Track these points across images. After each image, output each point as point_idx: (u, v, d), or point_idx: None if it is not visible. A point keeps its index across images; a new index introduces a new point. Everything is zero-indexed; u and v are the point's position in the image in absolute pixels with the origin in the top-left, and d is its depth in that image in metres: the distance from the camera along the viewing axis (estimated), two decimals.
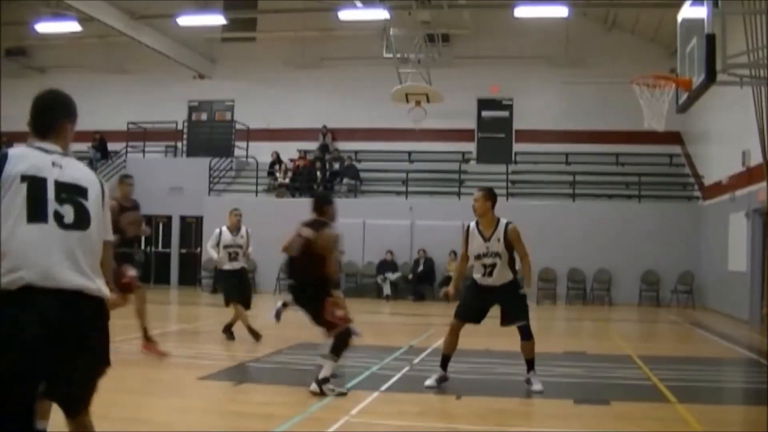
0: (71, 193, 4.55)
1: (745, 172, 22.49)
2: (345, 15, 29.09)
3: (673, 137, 30.04)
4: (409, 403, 9.44)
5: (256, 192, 31.47)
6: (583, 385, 11.06)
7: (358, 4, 27.81)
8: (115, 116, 34.60)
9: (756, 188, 20.98)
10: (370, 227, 28.29)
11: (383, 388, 10.25)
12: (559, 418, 9.11)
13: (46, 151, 4.66)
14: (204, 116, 36.84)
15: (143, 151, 34.67)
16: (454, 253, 27.42)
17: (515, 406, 9.58)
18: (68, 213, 4.47)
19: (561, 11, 27.80)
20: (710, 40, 11.34)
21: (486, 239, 10.24)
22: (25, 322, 4.20)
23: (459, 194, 29.72)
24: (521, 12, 27.70)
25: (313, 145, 34.26)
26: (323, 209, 10.44)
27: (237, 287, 15.49)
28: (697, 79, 12.05)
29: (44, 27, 31.24)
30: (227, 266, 15.62)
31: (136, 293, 11.26)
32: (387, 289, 28.33)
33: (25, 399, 4.26)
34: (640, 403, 9.88)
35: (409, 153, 33.23)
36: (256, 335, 14.82)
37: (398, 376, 11.16)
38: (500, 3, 29.78)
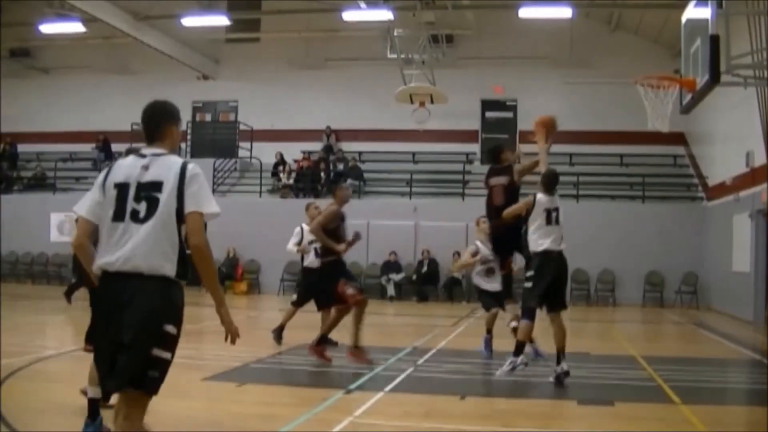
0: (149, 190, 5.20)
1: (748, 173, 22.49)
2: (349, 16, 29.07)
3: (677, 138, 30.02)
4: (414, 404, 9.44)
5: (260, 193, 31.49)
6: (587, 386, 11.04)
7: (362, 4, 27.79)
8: (118, 117, 34.54)
9: (760, 189, 20.98)
10: (374, 228, 28.26)
11: (387, 388, 10.25)
12: (564, 419, 9.12)
13: (143, 155, 5.40)
14: (208, 117, 36.86)
15: None
16: (458, 253, 27.42)
17: (519, 407, 9.58)
18: (142, 209, 5.17)
19: (565, 12, 27.75)
20: (714, 40, 11.34)
21: None
22: (102, 296, 5.25)
23: (463, 195, 29.73)
24: (525, 13, 27.67)
25: (317, 146, 34.27)
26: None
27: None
28: (701, 80, 12.06)
29: (48, 28, 31.22)
30: (315, 263, 14.36)
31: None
32: (391, 290, 28.34)
33: (107, 353, 5.12)
34: (644, 403, 9.87)
35: (413, 154, 33.23)
36: (280, 338, 14.70)
37: (402, 376, 11.16)
38: (504, 3, 29.75)
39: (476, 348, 13.86)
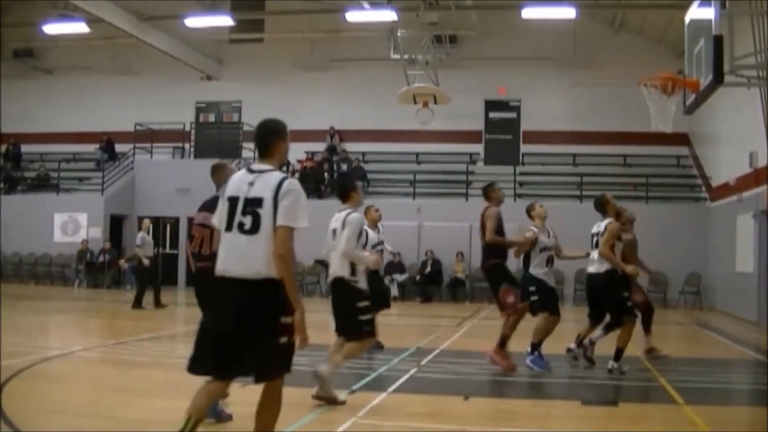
0: (253, 205, 5.98)
1: (752, 174, 22.47)
2: (352, 16, 29.06)
3: (681, 138, 30.02)
4: (417, 405, 9.46)
5: None
6: (591, 387, 11.06)
7: (366, 5, 27.79)
8: (122, 117, 34.66)
9: (763, 189, 20.96)
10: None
11: (391, 389, 10.26)
12: (567, 419, 9.12)
13: (252, 171, 6.18)
14: (211, 117, 36.88)
15: (150, 153, 34.74)
16: (461, 254, 27.43)
17: (523, 407, 9.59)
18: (247, 221, 5.97)
19: (568, 12, 27.74)
20: (718, 41, 11.33)
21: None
22: (218, 298, 6.10)
23: (466, 195, 29.73)
24: (528, 13, 27.66)
25: (320, 147, 34.28)
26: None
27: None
28: (705, 81, 12.05)
29: (52, 28, 31.24)
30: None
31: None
32: (394, 291, 28.32)
33: (224, 345, 5.96)
34: (648, 404, 9.89)
35: (417, 154, 33.24)
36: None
37: (406, 377, 11.17)
38: (507, 4, 29.74)
39: (480, 348, 13.87)
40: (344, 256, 9.60)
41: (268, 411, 6.29)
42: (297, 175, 32.67)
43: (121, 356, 13.23)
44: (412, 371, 11.72)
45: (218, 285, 6.05)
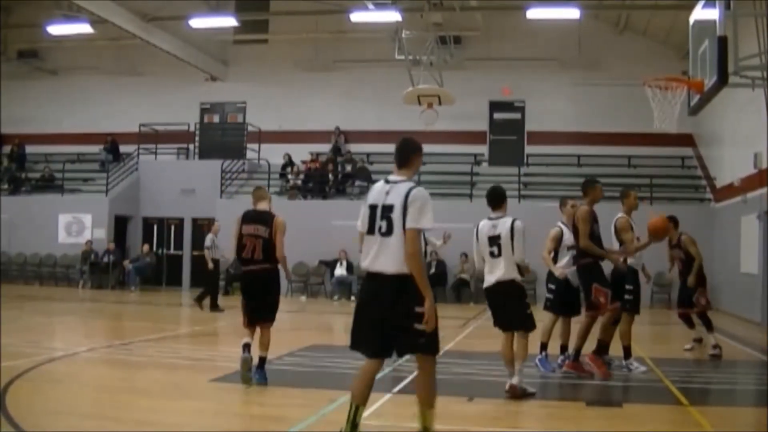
0: (388, 212, 7.02)
1: (756, 175, 22.44)
2: (357, 17, 29.08)
3: (685, 139, 30.01)
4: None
5: None
6: (595, 387, 11.05)
7: (370, 6, 27.81)
8: (126, 118, 34.68)
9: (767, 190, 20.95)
10: None
11: (395, 390, 10.26)
12: (572, 420, 9.11)
13: (388, 182, 7.26)
14: (216, 118, 36.89)
15: (155, 153, 34.76)
16: (465, 255, 27.38)
17: (527, 408, 9.57)
18: (384, 225, 7.02)
19: (573, 13, 27.73)
20: (722, 42, 11.33)
21: None
22: (369, 291, 7.15)
23: (471, 196, 29.68)
24: (533, 14, 27.65)
25: (325, 147, 34.30)
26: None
27: None
28: (709, 81, 12.05)
29: (56, 29, 31.24)
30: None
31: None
32: None
33: (378, 330, 7.02)
34: (652, 405, 9.87)
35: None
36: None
37: (410, 377, 11.15)
38: (512, 5, 29.73)
39: (483, 350, 13.88)
40: (519, 262, 10.25)
41: (420, 392, 7.38)
42: (302, 175, 32.69)
43: (126, 357, 13.24)
44: (416, 372, 11.71)
45: (368, 279, 7.18)
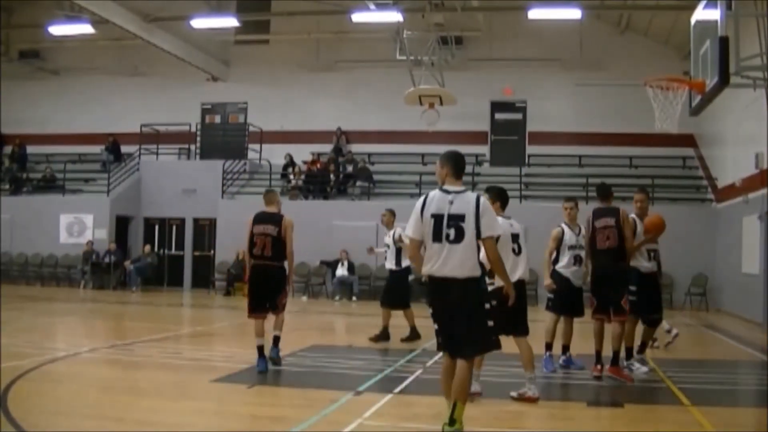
0: (456, 220, 7.58)
1: (758, 175, 22.44)
2: (358, 17, 29.06)
3: (687, 140, 30.00)
4: (423, 406, 9.45)
5: None
6: (596, 388, 11.05)
7: (372, 6, 27.79)
8: (128, 118, 34.70)
9: None
10: (383, 230, 28.29)
11: (397, 390, 10.26)
12: (573, 420, 9.11)
13: (447, 192, 7.77)
14: (217, 118, 36.87)
15: (156, 154, 34.77)
16: None
17: (529, 408, 9.57)
18: (452, 233, 7.56)
19: (574, 14, 27.71)
20: (723, 42, 11.34)
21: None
22: (440, 295, 7.75)
23: None
24: (534, 14, 27.65)
25: (326, 148, 34.29)
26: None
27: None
28: (711, 82, 12.05)
29: (58, 29, 31.25)
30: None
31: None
32: None
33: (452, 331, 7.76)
34: (654, 405, 9.87)
35: (423, 155, 33.18)
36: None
37: (411, 378, 11.17)
38: (513, 5, 29.71)
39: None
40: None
41: (460, 387, 7.67)
42: (303, 176, 32.69)
43: (127, 357, 13.24)
44: (418, 372, 11.72)
45: (438, 284, 7.70)
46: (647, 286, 12.06)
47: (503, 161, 32.91)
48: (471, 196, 7.71)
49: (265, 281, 12.01)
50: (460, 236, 7.53)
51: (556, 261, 12.39)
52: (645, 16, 30.09)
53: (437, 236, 7.60)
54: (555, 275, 12.34)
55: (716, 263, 26.94)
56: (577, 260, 12.32)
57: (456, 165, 7.92)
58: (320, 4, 29.97)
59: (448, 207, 7.62)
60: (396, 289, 16.31)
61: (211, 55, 34.92)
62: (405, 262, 16.07)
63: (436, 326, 7.89)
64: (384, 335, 15.72)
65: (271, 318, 12.09)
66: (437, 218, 7.62)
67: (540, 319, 13.03)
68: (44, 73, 37.20)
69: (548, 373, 11.95)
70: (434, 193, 7.77)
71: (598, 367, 11.54)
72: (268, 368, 11.71)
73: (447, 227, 7.56)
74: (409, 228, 7.82)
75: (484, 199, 7.74)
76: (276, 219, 12.03)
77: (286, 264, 12.12)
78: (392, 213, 16.86)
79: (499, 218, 9.92)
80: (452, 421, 7.57)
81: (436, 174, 8.21)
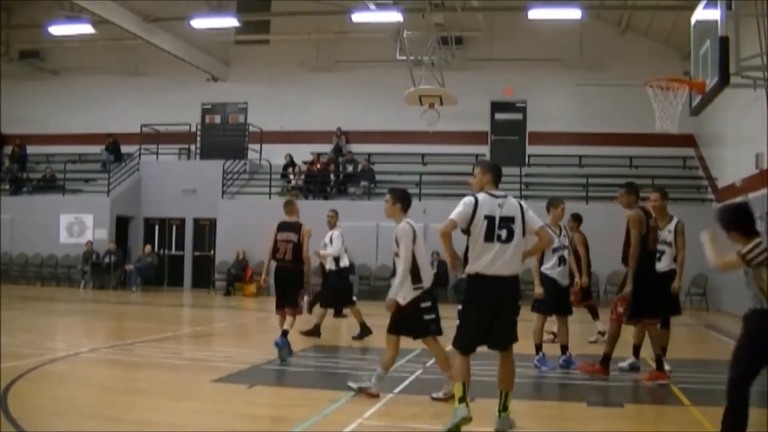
0: (507, 222, 8.19)
1: (758, 175, 22.43)
2: (358, 17, 29.07)
3: (687, 140, 30.01)
4: (423, 406, 9.45)
5: (270, 194, 31.45)
6: (596, 388, 11.04)
7: (372, 6, 27.79)
8: (128, 118, 34.71)
9: None
10: (383, 230, 28.22)
11: (396, 390, 10.26)
12: (573, 421, 9.11)
13: (495, 196, 8.35)
14: (217, 119, 36.88)
15: (156, 154, 34.78)
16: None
17: (528, 408, 9.56)
18: (503, 234, 8.15)
19: (574, 14, 27.72)
20: (723, 42, 11.34)
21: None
22: (488, 291, 8.18)
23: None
24: (535, 14, 27.66)
25: (326, 148, 34.29)
26: None
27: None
28: (711, 82, 12.05)
29: (58, 29, 31.29)
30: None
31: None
32: None
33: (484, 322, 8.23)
34: (653, 405, 9.87)
35: (423, 155, 33.21)
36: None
37: (411, 378, 11.17)
38: (514, 5, 29.72)
39: (483, 350, 13.87)
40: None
41: (509, 377, 8.39)
42: (303, 176, 32.68)
43: (128, 357, 13.24)
44: (418, 372, 11.72)
45: (488, 281, 8.15)
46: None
47: (503, 161, 32.36)
48: (514, 200, 8.43)
49: (286, 281, 13.37)
50: (510, 237, 8.16)
51: (540, 263, 12.42)
52: (645, 16, 30.10)
53: (490, 236, 8.15)
54: (542, 276, 12.36)
55: None
56: (562, 261, 12.51)
57: (498, 174, 8.68)
58: (320, 4, 29.97)
59: (499, 210, 8.20)
60: (339, 289, 17.20)
61: (212, 55, 34.93)
62: (344, 262, 17.21)
63: (468, 322, 8.28)
64: (365, 330, 16.20)
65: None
66: (490, 220, 8.18)
67: (528, 319, 13.02)
68: (44, 73, 37.20)
69: (548, 371, 11.96)
70: (482, 197, 8.34)
71: (664, 372, 11.31)
72: (285, 344, 12.77)
73: (499, 228, 8.15)
74: (455, 214, 8.31)
75: (526, 203, 8.49)
76: (296, 227, 13.54)
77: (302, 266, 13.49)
78: (336, 214, 17.84)
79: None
80: (506, 408, 8.30)
81: (474, 179, 8.74)
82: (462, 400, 8.00)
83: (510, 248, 8.13)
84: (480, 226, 8.16)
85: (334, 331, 18.31)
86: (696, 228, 28.77)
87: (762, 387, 11.26)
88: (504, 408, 8.27)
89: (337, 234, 16.99)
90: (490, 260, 8.09)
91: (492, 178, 8.54)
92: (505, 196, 8.35)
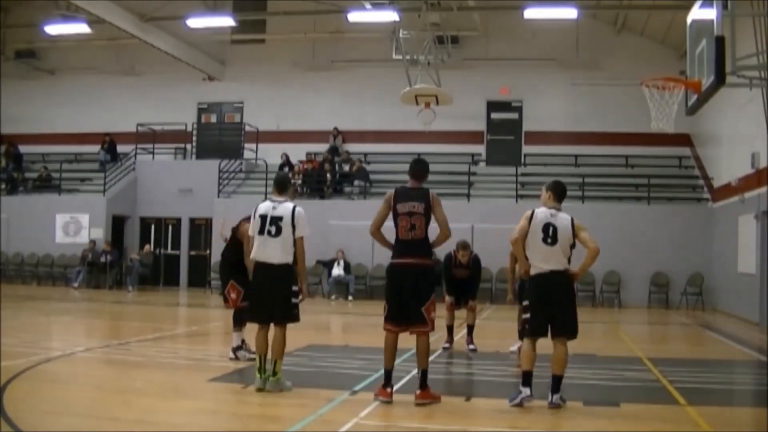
0: (276, 220, 10.00)
1: (754, 174, 22.45)
2: (354, 17, 29.07)
3: (683, 139, 30.03)
4: (419, 405, 9.43)
5: (266, 194, 31.34)
6: (593, 387, 11.05)
7: (368, 6, 27.80)
8: (124, 118, 34.71)
9: (765, 190, 20.94)
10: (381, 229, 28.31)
11: (395, 389, 10.24)
12: (569, 420, 9.10)
13: (272, 200, 10.18)
14: (213, 118, 36.87)
15: (152, 153, 34.75)
16: None
17: (526, 408, 9.54)
18: (273, 230, 9.98)
19: (570, 13, 27.74)
20: (720, 41, 11.33)
21: None
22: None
23: (468, 196, 29.72)
24: (531, 14, 27.64)
25: (322, 147, 34.26)
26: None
27: None
28: (707, 81, 12.05)
29: (54, 29, 31.29)
30: None
31: None
32: None
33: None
34: (650, 405, 9.87)
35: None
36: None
37: (407, 377, 11.15)
38: (509, 5, 29.74)
39: (481, 350, 13.87)
40: None
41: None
42: (299, 175, 32.67)
43: (124, 357, 13.23)
44: (414, 372, 11.70)
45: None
46: None
47: (499, 161, 32.95)
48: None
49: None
50: (278, 232, 9.99)
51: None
52: (641, 15, 30.14)
53: (261, 230, 10.04)
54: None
55: (712, 263, 26.96)
56: None
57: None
58: (316, 4, 29.99)
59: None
60: None
61: (208, 55, 34.91)
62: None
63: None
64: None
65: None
66: (263, 218, 10.08)
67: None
68: (40, 72, 37.17)
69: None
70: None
71: None
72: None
73: (269, 225, 10.01)
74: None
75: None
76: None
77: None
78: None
79: (543, 207, 9.88)
80: (558, 388, 9.53)
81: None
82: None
83: (278, 241, 10.00)
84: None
85: (329, 330, 18.31)
86: (692, 227, 28.85)
87: (764, 387, 11.30)
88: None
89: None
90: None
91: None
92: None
